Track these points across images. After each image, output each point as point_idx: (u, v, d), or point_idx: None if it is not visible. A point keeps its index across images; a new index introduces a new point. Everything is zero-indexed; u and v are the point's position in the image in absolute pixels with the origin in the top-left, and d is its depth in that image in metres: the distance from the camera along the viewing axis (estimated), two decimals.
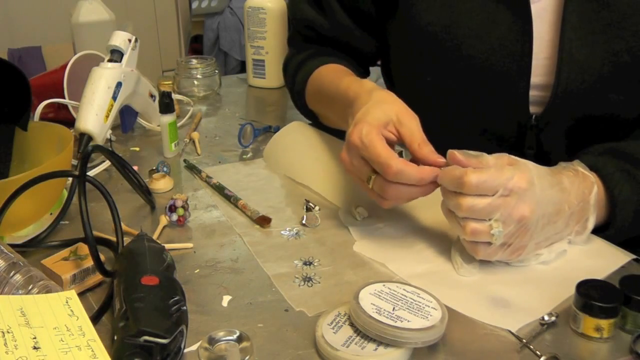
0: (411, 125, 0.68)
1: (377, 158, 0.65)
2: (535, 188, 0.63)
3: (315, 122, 0.98)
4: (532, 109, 0.81)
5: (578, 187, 0.68)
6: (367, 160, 0.67)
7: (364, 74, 1.01)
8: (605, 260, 0.70)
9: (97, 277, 0.66)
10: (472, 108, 0.84)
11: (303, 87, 0.95)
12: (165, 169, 0.91)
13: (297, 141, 0.94)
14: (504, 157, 0.65)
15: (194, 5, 2.98)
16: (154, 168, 0.91)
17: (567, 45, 0.76)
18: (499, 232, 0.63)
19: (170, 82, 1.30)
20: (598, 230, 0.72)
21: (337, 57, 0.95)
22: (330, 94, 0.85)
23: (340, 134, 0.86)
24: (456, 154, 0.64)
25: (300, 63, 0.97)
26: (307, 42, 1.01)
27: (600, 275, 0.66)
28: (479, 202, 0.62)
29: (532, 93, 0.80)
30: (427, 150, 0.66)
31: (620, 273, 0.66)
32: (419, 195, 0.67)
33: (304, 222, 0.78)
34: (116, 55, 0.90)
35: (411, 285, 0.60)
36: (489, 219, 0.63)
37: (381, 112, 0.69)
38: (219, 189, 0.86)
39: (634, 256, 0.70)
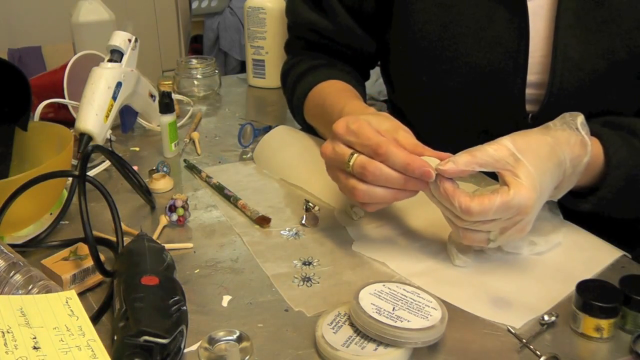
0: (409, 135, 0.66)
1: (367, 140, 0.63)
2: (537, 199, 0.62)
3: (313, 132, 0.97)
4: (529, 108, 0.81)
5: (571, 162, 0.66)
6: (353, 144, 0.64)
7: (363, 79, 1.00)
8: (600, 253, 0.71)
9: (97, 277, 0.66)
10: (469, 107, 0.84)
11: (302, 102, 0.93)
12: (165, 169, 0.91)
13: (287, 143, 0.94)
14: (502, 149, 0.62)
15: (194, 5, 2.98)
16: (154, 168, 0.91)
17: (561, 42, 0.76)
18: (495, 240, 0.64)
19: (170, 82, 1.30)
20: (584, 195, 0.72)
21: (338, 69, 0.94)
22: (332, 114, 0.81)
23: None
24: (447, 184, 0.62)
25: (299, 76, 0.95)
26: (307, 48, 1.00)
27: (596, 269, 0.67)
28: (481, 225, 0.62)
29: (528, 91, 0.80)
30: (422, 149, 0.65)
31: (620, 273, 0.66)
32: (397, 190, 0.64)
33: (303, 222, 0.78)
34: (116, 55, 0.90)
35: (411, 285, 0.60)
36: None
37: (374, 116, 0.68)
38: (219, 189, 0.86)
39: (624, 252, 0.71)
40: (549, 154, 0.64)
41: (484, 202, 0.60)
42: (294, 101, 0.96)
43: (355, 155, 0.64)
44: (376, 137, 0.63)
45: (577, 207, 0.74)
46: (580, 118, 0.68)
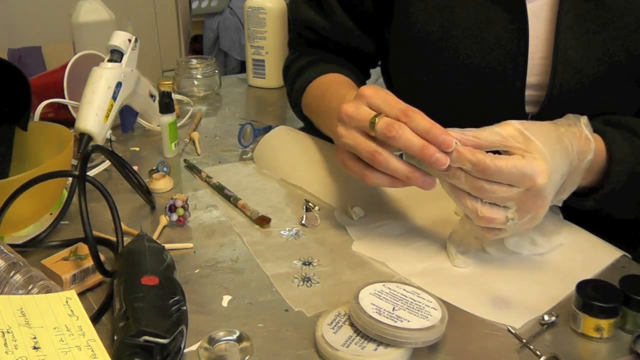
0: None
1: (396, 104, 0.64)
2: (552, 175, 0.62)
3: (312, 128, 0.97)
4: (528, 109, 0.81)
5: (577, 154, 0.66)
6: (379, 107, 0.65)
7: (364, 77, 1.01)
8: (600, 253, 0.71)
9: (97, 277, 0.66)
10: (469, 108, 0.84)
11: (300, 96, 0.94)
12: (165, 169, 0.91)
13: (287, 144, 0.94)
14: (509, 128, 0.63)
15: (194, 5, 2.98)
16: (154, 168, 0.91)
17: (562, 44, 0.76)
18: (514, 223, 0.63)
19: (170, 82, 1.30)
20: (587, 194, 0.72)
21: (338, 64, 0.94)
22: (330, 105, 0.82)
23: (330, 138, 0.86)
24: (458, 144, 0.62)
25: (299, 70, 0.96)
26: (308, 45, 1.00)
27: (596, 269, 0.67)
28: (498, 190, 0.61)
29: (528, 92, 0.80)
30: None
31: (620, 273, 0.66)
32: (415, 163, 0.64)
33: (303, 222, 0.78)
34: (116, 55, 0.90)
35: (411, 285, 0.60)
36: (505, 206, 0.63)
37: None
38: (219, 189, 0.86)
39: (624, 252, 0.71)
40: (557, 138, 0.65)
41: (498, 158, 0.60)
42: (293, 94, 0.97)
43: (382, 116, 0.65)
44: (404, 104, 0.65)
45: (580, 205, 0.74)
46: (584, 119, 0.69)
